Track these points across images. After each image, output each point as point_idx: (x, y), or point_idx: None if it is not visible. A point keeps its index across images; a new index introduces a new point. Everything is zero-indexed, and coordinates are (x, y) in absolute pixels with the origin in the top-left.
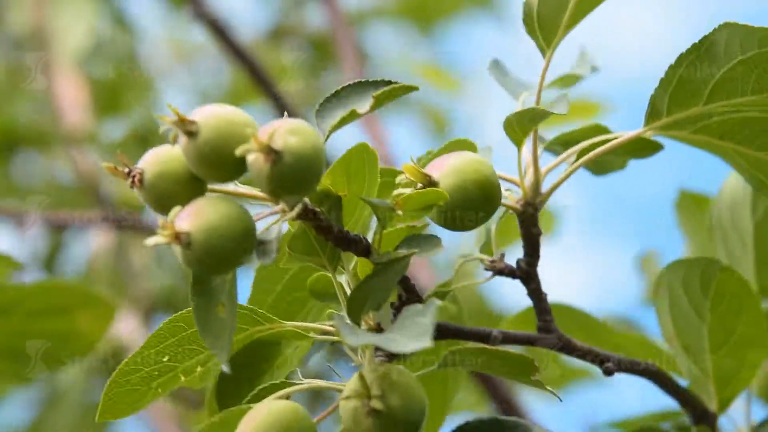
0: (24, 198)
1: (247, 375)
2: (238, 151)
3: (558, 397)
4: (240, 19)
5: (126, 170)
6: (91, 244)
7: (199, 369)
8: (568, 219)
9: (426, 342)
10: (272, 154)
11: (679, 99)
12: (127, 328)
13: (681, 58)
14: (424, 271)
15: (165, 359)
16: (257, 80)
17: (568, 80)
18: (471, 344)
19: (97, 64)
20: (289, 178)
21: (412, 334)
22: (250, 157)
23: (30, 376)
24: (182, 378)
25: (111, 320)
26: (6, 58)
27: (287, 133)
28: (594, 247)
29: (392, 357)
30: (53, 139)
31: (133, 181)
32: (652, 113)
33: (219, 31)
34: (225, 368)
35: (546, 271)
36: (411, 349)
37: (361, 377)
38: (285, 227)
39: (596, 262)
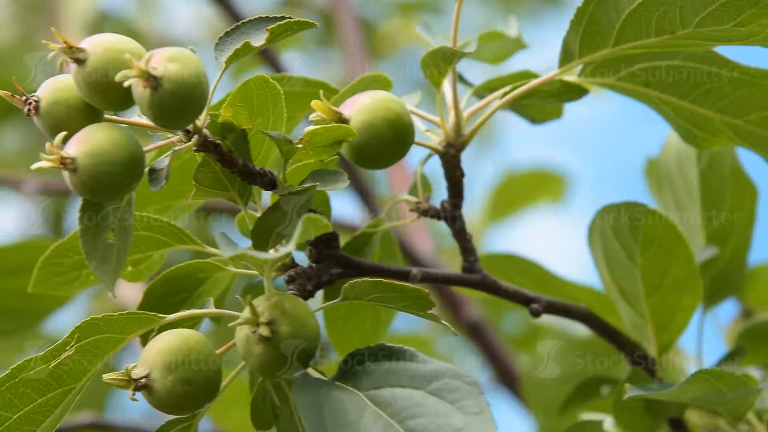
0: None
1: (166, 305)
2: (118, 77)
3: (454, 333)
4: None
5: (23, 98)
6: None
7: (129, 268)
8: (578, 186)
9: (283, 251)
10: (151, 80)
11: (589, 40)
12: (123, 292)
13: (587, 0)
14: (422, 235)
15: None
16: (262, 53)
17: (491, 36)
18: (368, 278)
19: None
20: (169, 105)
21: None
22: (132, 84)
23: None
24: None
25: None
26: (16, 22)
27: (167, 60)
28: None
29: (304, 290)
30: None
31: (29, 109)
32: (566, 54)
33: (226, 3)
34: (111, 295)
35: (555, 239)
36: (266, 257)
37: (251, 305)
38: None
39: None
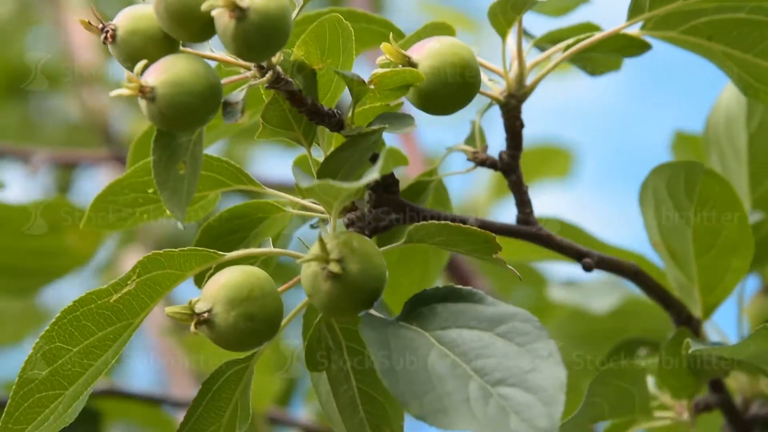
0: (33, 137)
1: (222, 244)
2: (204, 6)
3: (519, 277)
4: None
5: (100, 26)
6: (101, 182)
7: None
8: (585, 160)
9: (362, 180)
10: (237, 10)
11: None
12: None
13: None
14: None
15: (150, 191)
16: None
17: None
18: (435, 221)
19: (108, 2)
20: (254, 36)
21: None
22: (216, 14)
23: (23, 288)
24: (166, 212)
25: (100, 239)
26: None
27: None
28: (613, 191)
29: (364, 231)
30: (63, 77)
31: (105, 37)
32: (635, 7)
33: None
34: (180, 225)
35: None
36: (348, 186)
37: (321, 242)
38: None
39: (616, 204)
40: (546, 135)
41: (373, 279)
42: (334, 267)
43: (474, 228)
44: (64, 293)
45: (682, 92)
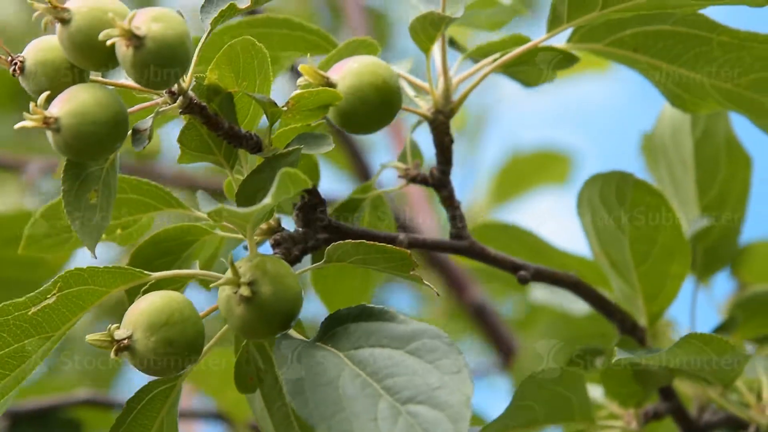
0: (32, 147)
1: (153, 267)
2: (101, 36)
3: (436, 292)
4: None
5: (9, 58)
6: None
7: (119, 231)
8: (584, 167)
9: (260, 205)
10: (134, 39)
11: (577, 3)
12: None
13: None
14: (428, 217)
15: None
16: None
17: (484, 2)
18: (351, 240)
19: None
20: (152, 64)
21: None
22: (115, 44)
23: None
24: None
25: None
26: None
27: (151, 19)
28: None
29: (290, 255)
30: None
31: (14, 69)
32: (554, 18)
33: None
34: (92, 256)
35: (561, 219)
36: (245, 211)
37: (233, 265)
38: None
39: None
40: (544, 140)
41: (286, 301)
42: (244, 290)
43: (388, 246)
44: None
45: None
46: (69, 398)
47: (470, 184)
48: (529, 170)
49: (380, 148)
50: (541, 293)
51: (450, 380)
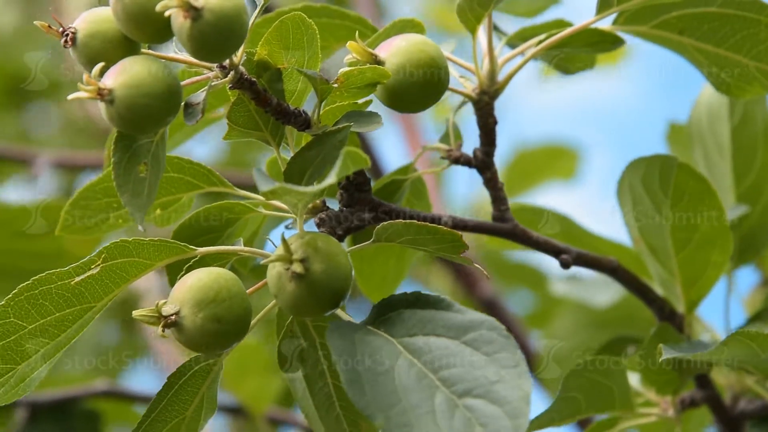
0: (37, 143)
1: (195, 245)
2: (158, 7)
3: (486, 276)
4: None
5: (60, 29)
6: None
7: (158, 211)
8: (592, 161)
9: (322, 184)
10: (191, 10)
11: None
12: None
13: None
14: (441, 209)
15: None
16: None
17: None
18: (401, 220)
19: None
20: (209, 36)
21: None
22: (172, 15)
23: None
24: None
25: (96, 241)
26: (20, 6)
27: None
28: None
29: (334, 234)
30: (66, 85)
31: (66, 40)
32: (603, 2)
33: None
34: (140, 228)
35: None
36: (304, 190)
37: (285, 242)
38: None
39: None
40: (552, 135)
41: (338, 279)
42: (297, 267)
43: (440, 227)
44: None
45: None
46: (87, 389)
47: (478, 179)
48: (536, 165)
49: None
50: (562, 286)
51: (507, 374)
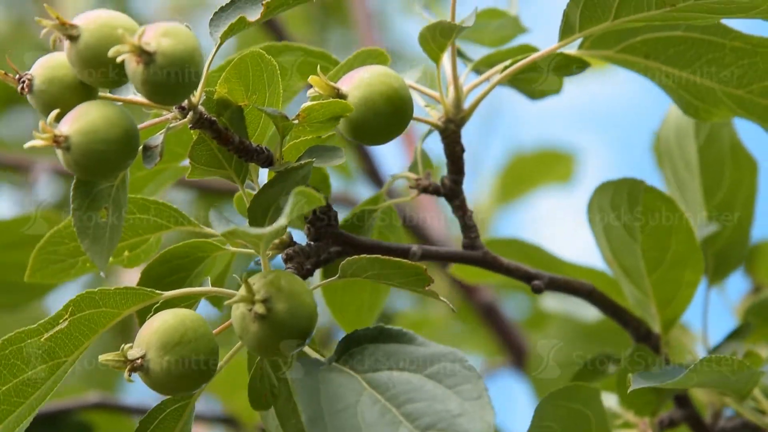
0: (32, 150)
1: (164, 285)
2: (111, 52)
3: (452, 308)
4: None
5: (16, 76)
6: None
7: (126, 253)
8: (589, 165)
9: (276, 225)
10: (144, 55)
11: (589, 13)
12: (128, 278)
13: None
14: (435, 223)
15: None
16: (270, 30)
17: (492, 14)
18: (366, 255)
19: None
20: (162, 80)
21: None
22: (125, 60)
23: (13, 302)
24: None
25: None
26: (11, 10)
27: (160, 35)
28: None
29: (302, 269)
30: None
31: (22, 87)
32: (566, 27)
33: None
34: (102, 274)
35: (564, 219)
36: (259, 233)
37: (247, 283)
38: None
39: None
40: (547, 140)
41: (302, 318)
42: (259, 308)
43: (404, 261)
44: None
45: None
46: (80, 401)
47: (474, 184)
48: (532, 169)
49: (391, 152)
50: (553, 302)
51: (470, 407)
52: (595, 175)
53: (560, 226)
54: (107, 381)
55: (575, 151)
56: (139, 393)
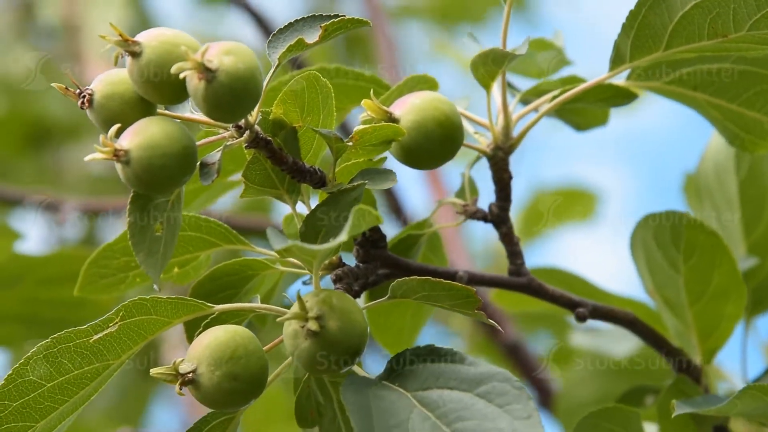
0: (58, 187)
1: (213, 302)
2: (173, 69)
3: (499, 328)
4: (275, 11)
5: (77, 91)
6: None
7: (176, 269)
8: (610, 201)
9: (332, 242)
10: (206, 72)
11: (640, 43)
12: None
13: (640, 3)
14: (462, 255)
15: None
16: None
17: (540, 44)
18: (416, 277)
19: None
20: (224, 97)
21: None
22: (187, 77)
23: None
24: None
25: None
26: (38, 51)
27: (222, 52)
28: None
29: (351, 290)
30: (85, 129)
31: (83, 102)
32: (616, 58)
33: (255, 18)
34: (156, 287)
35: (588, 255)
36: (316, 249)
37: (300, 300)
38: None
39: None
40: (569, 177)
41: (353, 336)
42: (312, 325)
43: (455, 284)
44: None
45: None
46: None
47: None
48: (554, 208)
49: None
50: (582, 338)
51: (521, 425)
52: (623, 205)
53: (583, 262)
54: (132, 416)
55: (597, 189)
56: (164, 426)
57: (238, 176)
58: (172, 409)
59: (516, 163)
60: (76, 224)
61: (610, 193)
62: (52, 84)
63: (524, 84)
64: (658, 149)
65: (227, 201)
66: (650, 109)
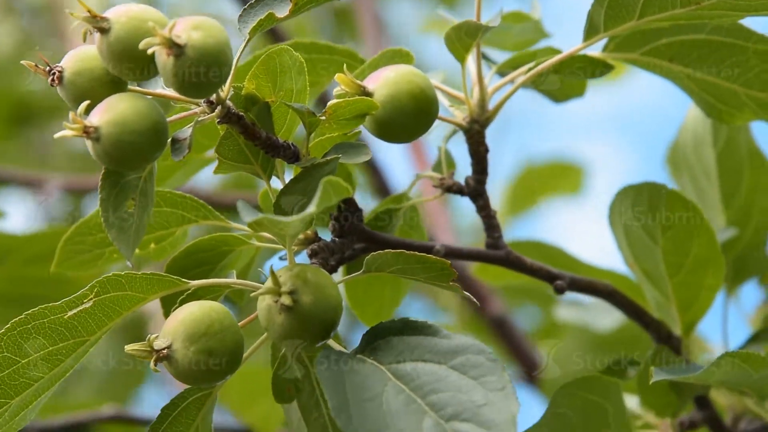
0: (43, 166)
1: (188, 278)
2: (141, 45)
3: (475, 302)
4: None
5: (47, 68)
6: None
7: (152, 245)
8: (598, 175)
9: (302, 214)
10: (174, 48)
11: (614, 13)
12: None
13: None
14: (446, 230)
15: None
16: (276, 39)
17: (516, 17)
18: (390, 250)
19: None
20: (193, 73)
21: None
22: (156, 52)
23: None
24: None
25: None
26: (20, 29)
27: (191, 28)
28: None
29: (327, 265)
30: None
31: (53, 79)
32: (590, 28)
33: None
34: (129, 263)
35: (576, 231)
36: (286, 220)
37: (273, 275)
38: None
39: None
40: (557, 151)
41: (327, 310)
42: (285, 299)
43: (429, 256)
44: None
45: None
46: (95, 415)
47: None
48: (542, 182)
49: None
50: (566, 311)
51: (495, 397)
52: (612, 179)
53: (571, 236)
54: (121, 394)
55: (585, 163)
56: (153, 405)
57: (213, 152)
58: (161, 389)
59: (503, 138)
60: (61, 202)
61: (599, 168)
62: (21, 61)
63: (502, 57)
64: (649, 123)
65: (215, 178)
66: (640, 83)
